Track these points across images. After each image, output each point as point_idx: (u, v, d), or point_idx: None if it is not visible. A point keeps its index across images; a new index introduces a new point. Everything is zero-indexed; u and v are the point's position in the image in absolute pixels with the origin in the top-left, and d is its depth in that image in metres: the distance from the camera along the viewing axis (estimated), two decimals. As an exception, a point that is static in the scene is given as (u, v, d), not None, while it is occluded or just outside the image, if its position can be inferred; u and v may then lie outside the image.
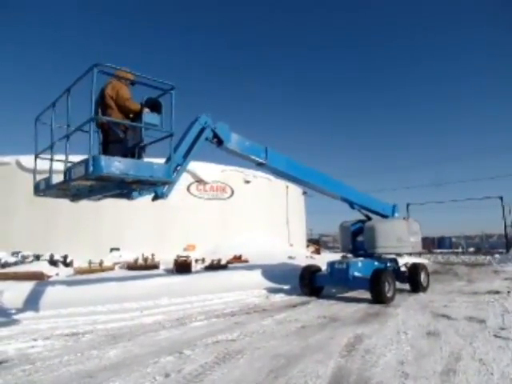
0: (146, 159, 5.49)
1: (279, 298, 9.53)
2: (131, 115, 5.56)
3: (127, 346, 5.29)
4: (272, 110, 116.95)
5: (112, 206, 15.96)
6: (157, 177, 4.96)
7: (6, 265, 13.05)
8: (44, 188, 5.70)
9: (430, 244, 43.42)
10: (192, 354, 4.82)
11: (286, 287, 10.65)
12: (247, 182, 21.06)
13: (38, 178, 5.93)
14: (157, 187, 5.75)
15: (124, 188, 5.31)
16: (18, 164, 16.38)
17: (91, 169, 4.38)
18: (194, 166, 19.03)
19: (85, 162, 4.47)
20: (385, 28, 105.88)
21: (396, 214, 11.27)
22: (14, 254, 14.22)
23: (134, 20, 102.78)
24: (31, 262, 13.41)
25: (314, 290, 9.73)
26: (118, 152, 5.17)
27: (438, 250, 39.73)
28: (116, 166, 4.55)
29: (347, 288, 9.92)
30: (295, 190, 24.26)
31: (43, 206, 16.05)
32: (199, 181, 19.28)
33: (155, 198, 6.13)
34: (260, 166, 8.24)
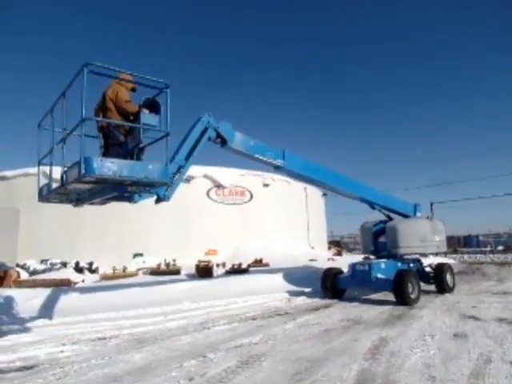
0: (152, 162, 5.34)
1: (301, 300, 9.48)
2: (131, 117, 5.53)
3: (152, 350, 5.38)
4: (274, 111, 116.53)
5: (134, 213, 16.35)
6: (152, 178, 4.84)
7: (35, 272, 13.52)
8: (46, 193, 5.74)
9: (456, 243, 42.28)
10: (215, 358, 4.85)
11: (307, 290, 10.58)
12: (266, 185, 21.08)
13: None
14: (155, 189, 5.68)
15: (121, 190, 5.21)
16: (45, 174, 16.96)
17: (83, 171, 4.33)
18: (212, 170, 19.27)
19: (77, 165, 4.43)
20: (393, 27, 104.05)
21: (418, 214, 11.01)
22: (43, 261, 14.73)
23: (131, 23, 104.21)
24: (59, 269, 13.83)
25: (337, 293, 9.62)
26: (118, 155, 5.14)
27: (465, 249, 38.61)
28: (108, 167, 4.47)
29: (370, 290, 9.77)
30: (315, 192, 24.12)
31: (69, 214, 16.55)
32: (218, 185, 19.44)
33: (158, 200, 6.11)
34: (277, 169, 8.21)
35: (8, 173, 18.56)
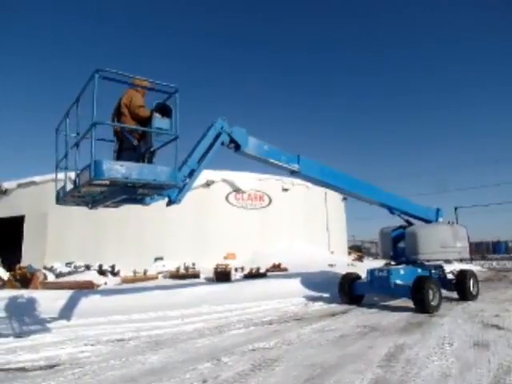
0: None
1: (318, 306, 9.42)
2: (146, 122, 5.60)
3: (168, 352, 5.49)
4: (278, 113, 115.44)
5: (155, 217, 16.65)
6: (160, 180, 4.91)
7: (60, 274, 14.02)
8: (63, 196, 5.92)
9: (485, 249, 40.88)
10: (229, 362, 4.91)
11: (325, 295, 10.50)
12: (285, 189, 21.07)
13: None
14: (166, 191, 5.77)
15: (131, 193, 5.30)
16: (70, 180, 17.58)
17: (93, 173, 4.45)
18: (231, 175, 19.43)
19: (88, 168, 4.56)
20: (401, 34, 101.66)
21: (440, 219, 10.75)
22: (68, 264, 15.25)
23: (135, 27, 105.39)
24: (82, 271, 14.28)
25: (354, 299, 9.51)
26: (131, 159, 5.26)
27: (494, 256, 37.26)
28: (117, 169, 4.56)
29: (389, 296, 9.60)
30: (335, 197, 23.86)
31: (93, 219, 17.08)
32: (237, 190, 19.58)
33: (169, 203, 6.22)
34: (293, 174, 8.22)
35: (37, 178, 19.33)
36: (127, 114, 5.64)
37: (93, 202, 5.98)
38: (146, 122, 5.58)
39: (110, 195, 5.43)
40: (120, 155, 5.67)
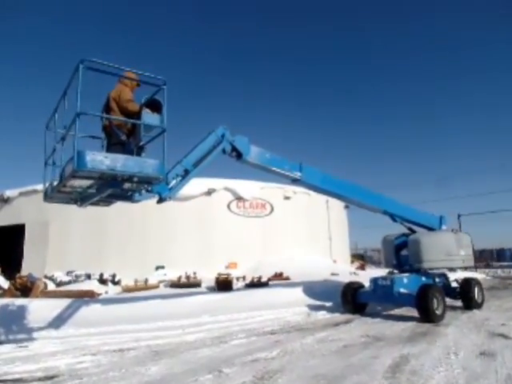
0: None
1: (321, 315, 9.29)
2: (134, 117, 5.48)
3: (169, 362, 5.39)
4: (279, 121, 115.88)
5: (157, 225, 16.59)
6: (146, 172, 4.79)
7: (61, 283, 13.94)
8: (50, 193, 5.78)
9: (489, 257, 40.59)
10: (231, 373, 4.81)
11: (328, 304, 10.37)
12: (287, 197, 21.02)
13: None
14: (155, 186, 5.66)
15: (116, 186, 5.17)
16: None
17: (76, 164, 4.36)
18: (233, 183, 19.43)
19: (72, 159, 4.46)
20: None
21: (443, 227, 10.64)
22: (69, 273, 15.18)
23: (133, 27, 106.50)
24: (83, 280, 14.20)
25: (358, 308, 9.38)
26: (120, 153, 5.08)
27: (498, 264, 36.92)
28: (101, 160, 4.45)
29: (392, 305, 9.47)
30: (337, 205, 23.77)
31: (94, 227, 17.09)
32: (239, 198, 19.55)
33: (160, 200, 6.14)
34: (295, 182, 8.19)
35: (39, 187, 19.35)
36: (116, 108, 5.53)
37: (81, 198, 5.82)
38: (136, 116, 5.44)
39: (97, 190, 5.30)
40: (108, 150, 5.52)
